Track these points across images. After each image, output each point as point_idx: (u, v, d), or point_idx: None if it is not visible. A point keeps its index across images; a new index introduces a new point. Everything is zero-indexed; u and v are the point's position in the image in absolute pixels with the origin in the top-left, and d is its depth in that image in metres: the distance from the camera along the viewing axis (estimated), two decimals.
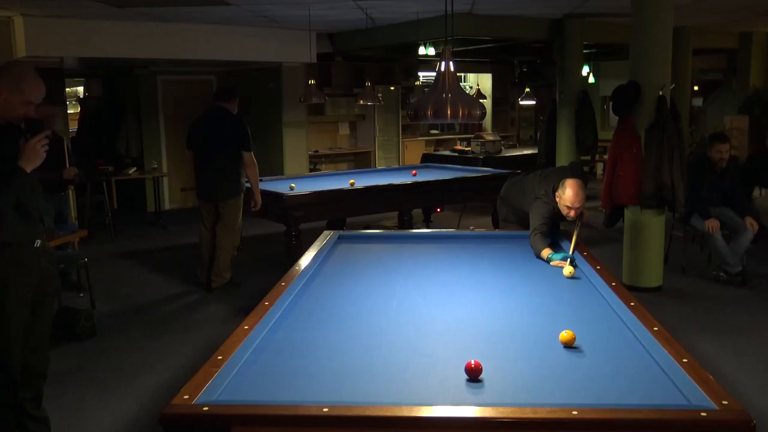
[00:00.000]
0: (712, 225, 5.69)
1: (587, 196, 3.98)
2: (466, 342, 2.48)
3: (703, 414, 1.79)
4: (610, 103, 6.14)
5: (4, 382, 2.82)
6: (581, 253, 3.64)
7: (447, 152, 10.95)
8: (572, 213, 3.85)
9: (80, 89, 12.42)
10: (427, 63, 11.90)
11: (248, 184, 5.79)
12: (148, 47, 8.03)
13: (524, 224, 4.20)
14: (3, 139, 2.76)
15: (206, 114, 5.89)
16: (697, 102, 12.76)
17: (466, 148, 10.81)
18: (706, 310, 5.23)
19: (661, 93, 5.46)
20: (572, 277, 3.31)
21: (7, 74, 2.76)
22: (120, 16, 7.49)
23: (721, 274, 5.84)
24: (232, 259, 5.90)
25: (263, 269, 6.55)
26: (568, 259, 3.43)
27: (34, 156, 2.71)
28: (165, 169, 9.80)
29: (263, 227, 7.73)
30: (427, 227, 7.94)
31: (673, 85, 6.00)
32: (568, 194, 3.81)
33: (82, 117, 10.86)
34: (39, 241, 2.88)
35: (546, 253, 3.62)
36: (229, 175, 5.65)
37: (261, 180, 6.29)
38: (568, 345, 2.36)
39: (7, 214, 2.71)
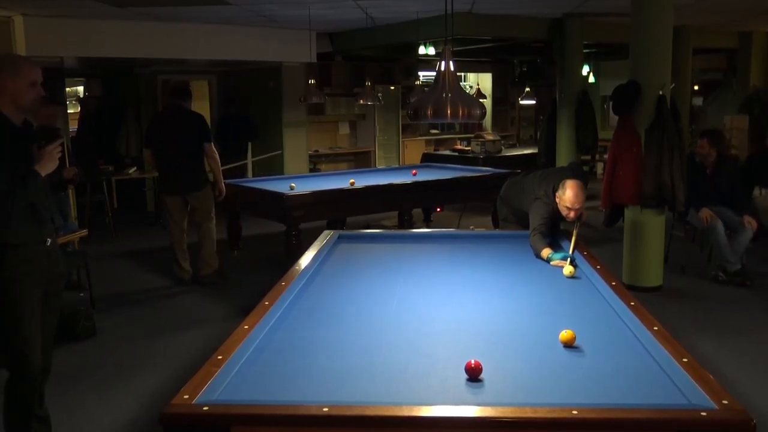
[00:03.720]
0: (705, 215, 5.69)
1: (587, 196, 3.98)
2: (466, 342, 2.48)
3: (703, 413, 1.79)
4: (610, 102, 6.14)
5: (25, 379, 2.88)
6: (581, 252, 3.64)
7: (447, 152, 10.94)
8: (572, 214, 3.84)
9: (80, 89, 12.43)
10: (427, 63, 11.90)
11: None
12: (148, 47, 8.04)
13: (524, 224, 4.20)
14: (19, 140, 2.82)
15: (166, 112, 6.25)
16: (697, 102, 12.75)
17: (466, 148, 10.80)
18: (706, 310, 5.23)
19: (661, 93, 5.46)
20: (572, 277, 3.31)
21: (1, 66, 2.82)
22: (120, 16, 7.49)
23: (720, 273, 5.83)
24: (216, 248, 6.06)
25: (263, 269, 6.55)
26: (568, 259, 3.43)
27: (50, 162, 2.84)
28: None
29: (263, 227, 7.73)
30: (427, 227, 7.94)
31: (673, 84, 6.00)
32: (568, 195, 3.81)
33: (82, 117, 10.87)
34: (49, 240, 2.95)
35: (546, 252, 3.62)
36: (196, 167, 5.90)
37: (262, 179, 6.31)
38: (568, 345, 2.36)
39: (20, 215, 2.78)
